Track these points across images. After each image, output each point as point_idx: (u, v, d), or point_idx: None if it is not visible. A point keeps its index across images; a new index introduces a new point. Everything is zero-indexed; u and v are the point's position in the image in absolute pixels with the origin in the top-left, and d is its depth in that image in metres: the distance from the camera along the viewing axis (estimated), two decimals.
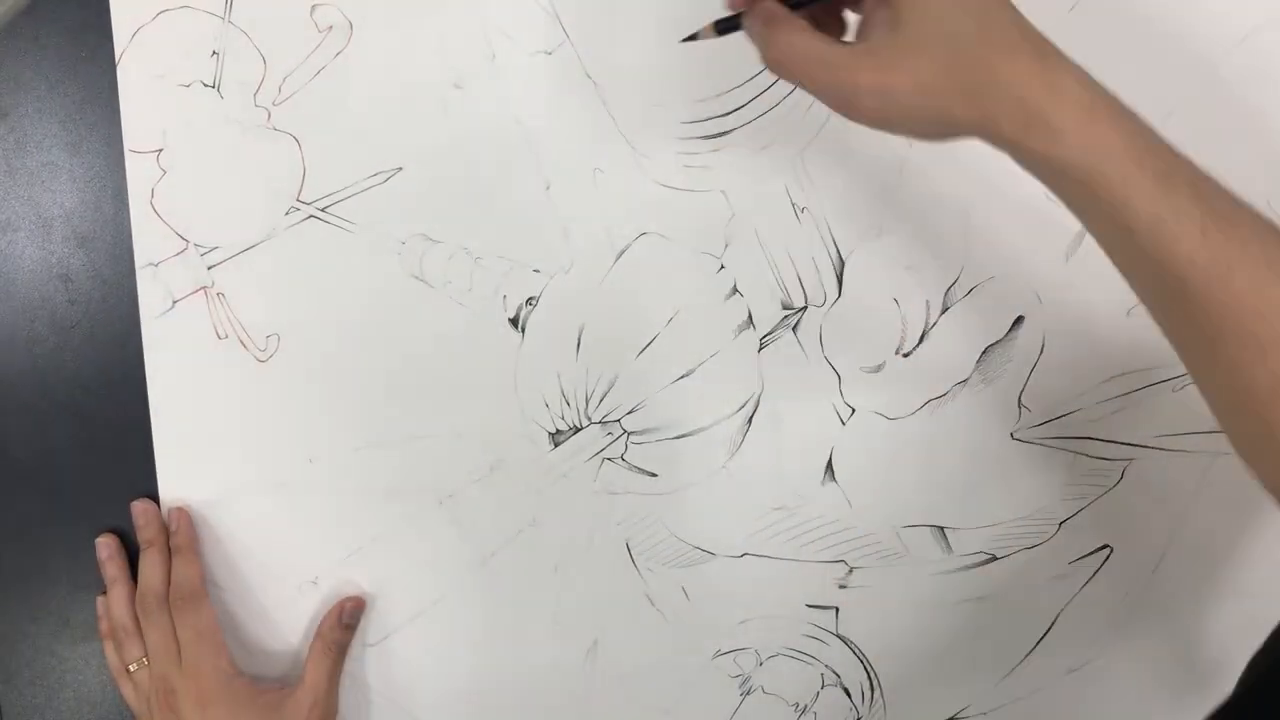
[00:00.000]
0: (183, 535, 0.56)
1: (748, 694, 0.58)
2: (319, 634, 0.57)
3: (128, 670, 0.56)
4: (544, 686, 0.58)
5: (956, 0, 0.37)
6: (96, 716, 0.61)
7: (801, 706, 0.58)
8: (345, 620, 0.57)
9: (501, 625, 0.58)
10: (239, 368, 0.56)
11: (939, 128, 0.39)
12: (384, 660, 0.59)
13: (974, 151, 0.52)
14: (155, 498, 0.58)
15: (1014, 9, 0.38)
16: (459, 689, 0.59)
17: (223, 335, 0.56)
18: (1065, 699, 0.57)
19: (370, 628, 0.58)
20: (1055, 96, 0.37)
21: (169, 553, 0.56)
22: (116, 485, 0.58)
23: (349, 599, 0.57)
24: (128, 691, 0.56)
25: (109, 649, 0.57)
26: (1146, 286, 0.39)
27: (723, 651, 0.58)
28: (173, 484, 0.57)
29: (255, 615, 0.58)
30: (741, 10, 0.41)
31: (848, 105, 0.38)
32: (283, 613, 0.58)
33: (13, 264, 0.56)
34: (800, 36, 0.38)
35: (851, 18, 0.42)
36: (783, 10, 0.39)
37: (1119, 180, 0.36)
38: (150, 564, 0.56)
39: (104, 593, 0.58)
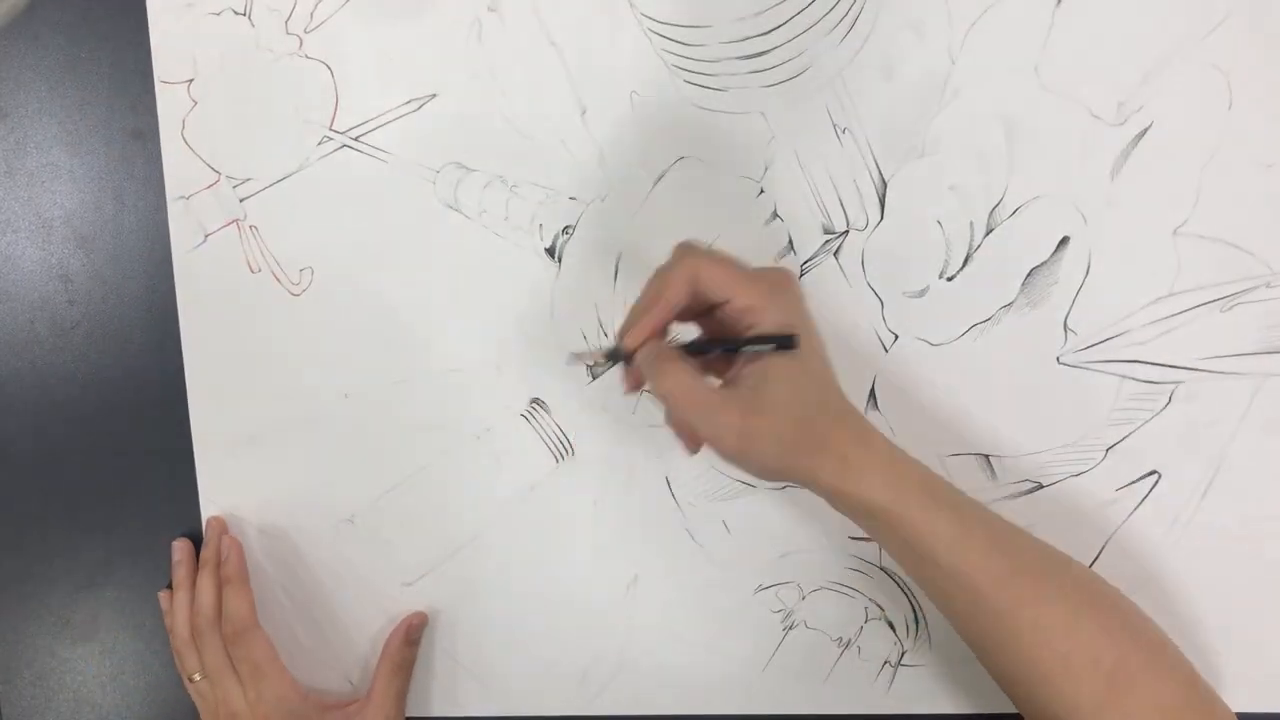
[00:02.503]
0: (232, 566, 0.56)
1: (790, 629, 0.57)
2: (386, 654, 0.57)
3: (191, 679, 0.56)
4: (584, 622, 0.58)
5: (803, 383, 0.45)
6: (96, 717, 0.61)
7: (845, 641, 0.57)
8: (412, 636, 0.57)
9: (540, 561, 0.57)
10: (272, 301, 0.55)
11: (775, 472, 0.46)
12: (421, 598, 0.58)
13: (1017, 69, 0.51)
14: (155, 496, 0.58)
15: (840, 395, 0.47)
16: (496, 625, 0.58)
17: (255, 269, 0.55)
18: None
19: (407, 565, 0.58)
20: (868, 450, 0.46)
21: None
22: (116, 484, 0.58)
23: (413, 615, 0.57)
24: (193, 695, 0.56)
25: (173, 651, 0.57)
26: (943, 590, 0.47)
27: (764, 586, 0.57)
28: (205, 422, 0.57)
29: (290, 554, 0.58)
30: (633, 349, 0.46)
31: (715, 437, 0.44)
32: (319, 551, 0.58)
33: (13, 264, 0.56)
34: (686, 375, 0.44)
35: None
36: (671, 350, 0.45)
37: (915, 511, 0.45)
38: (203, 586, 0.56)
39: (168, 587, 0.58)
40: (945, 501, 0.46)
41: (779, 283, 0.45)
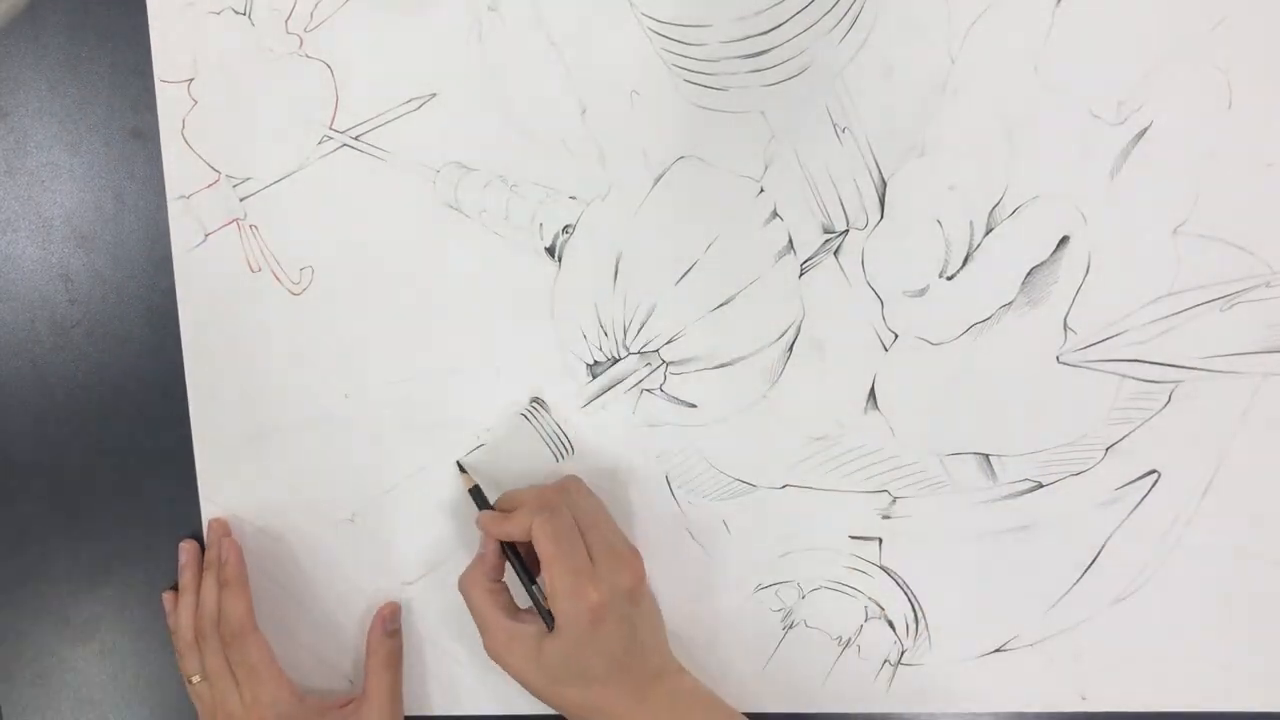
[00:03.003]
0: (231, 569, 0.56)
1: (790, 628, 0.57)
2: (370, 650, 0.57)
3: (190, 680, 0.56)
4: None
5: (584, 663, 0.49)
6: (96, 716, 0.61)
7: (845, 640, 0.57)
8: (389, 628, 0.57)
9: None
10: (272, 301, 0.55)
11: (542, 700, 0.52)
12: (422, 598, 0.58)
13: (1017, 69, 0.51)
14: (155, 496, 0.58)
15: (631, 667, 0.50)
16: None
17: (256, 268, 0.55)
18: (1114, 628, 0.56)
19: (408, 566, 0.58)
20: (644, 710, 0.50)
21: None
22: (116, 484, 0.58)
23: (384, 606, 0.58)
24: (193, 696, 0.57)
25: (175, 652, 0.57)
26: None
27: (764, 585, 0.57)
28: (205, 422, 0.57)
29: (290, 554, 0.58)
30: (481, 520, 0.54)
31: (484, 643, 0.52)
32: (319, 551, 0.58)
33: (13, 264, 0.56)
34: (479, 591, 0.52)
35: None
36: (491, 560, 0.53)
37: None
38: (206, 589, 0.56)
39: (172, 588, 0.58)
40: None
41: (583, 590, 0.49)
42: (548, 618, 0.51)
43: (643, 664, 0.51)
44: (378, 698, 0.56)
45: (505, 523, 0.52)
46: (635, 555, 0.52)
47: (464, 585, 0.53)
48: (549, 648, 0.50)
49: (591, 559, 0.50)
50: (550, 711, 0.57)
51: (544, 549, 0.50)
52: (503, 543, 0.53)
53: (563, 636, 0.49)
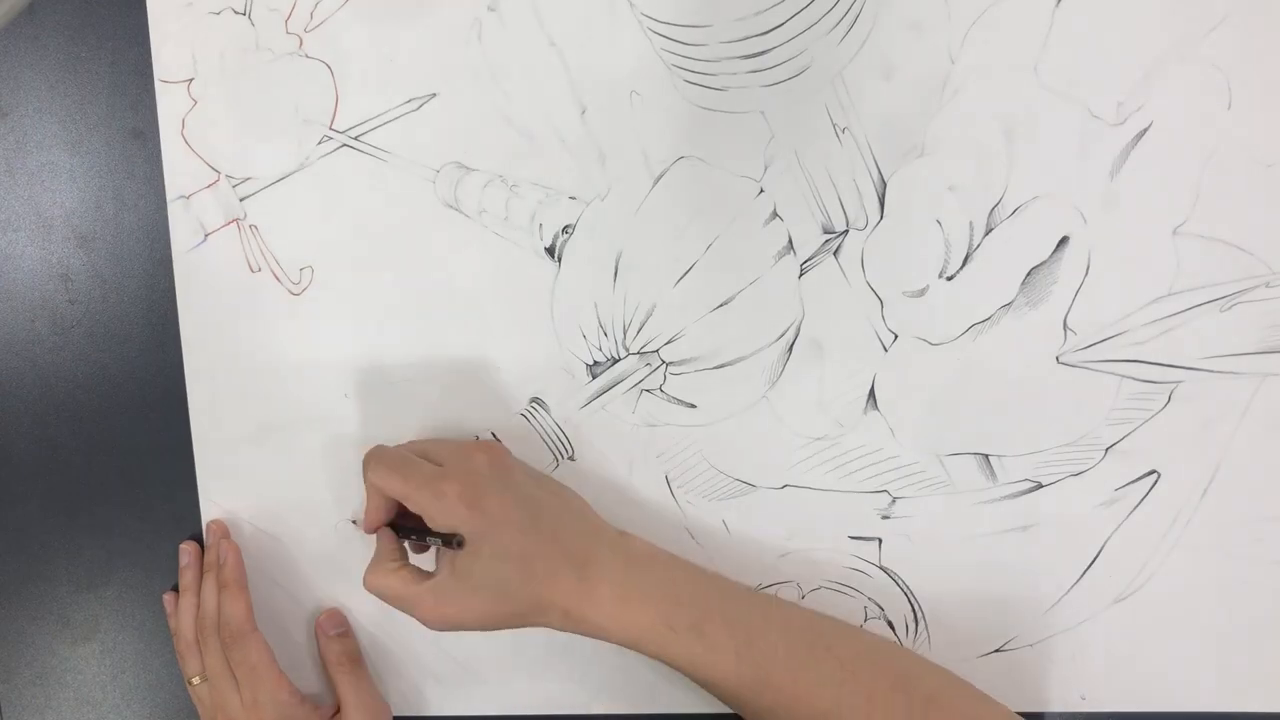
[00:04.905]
0: (230, 571, 0.56)
1: None
2: (323, 658, 0.57)
3: (191, 682, 0.56)
4: None
5: (502, 548, 0.48)
6: (96, 716, 0.61)
7: None
8: (331, 632, 0.57)
9: None
10: (272, 301, 0.55)
11: (495, 628, 0.50)
12: None
13: (1017, 69, 0.51)
14: (155, 496, 0.58)
15: (558, 537, 0.49)
16: None
17: (255, 268, 0.55)
18: (1113, 629, 0.56)
19: None
20: (591, 601, 0.48)
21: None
22: (116, 484, 0.58)
23: (321, 615, 0.58)
24: (193, 697, 0.57)
25: (176, 653, 0.58)
26: (709, 691, 0.50)
27: (764, 585, 0.57)
28: (205, 422, 0.57)
29: (290, 554, 0.58)
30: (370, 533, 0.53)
31: (420, 620, 0.50)
32: (319, 551, 0.58)
33: (13, 264, 0.56)
34: (382, 578, 0.51)
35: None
36: (384, 548, 0.52)
37: (656, 645, 0.48)
38: (207, 591, 0.56)
39: (173, 589, 0.58)
40: (685, 627, 0.48)
41: (440, 488, 0.48)
42: (452, 547, 0.49)
43: (569, 537, 0.49)
44: (349, 698, 0.56)
45: (371, 500, 0.51)
46: (486, 442, 0.52)
47: (369, 583, 0.51)
48: (464, 568, 0.48)
49: (440, 465, 0.50)
50: (548, 712, 0.57)
51: (389, 484, 0.49)
52: (393, 529, 0.52)
53: (466, 547, 0.48)
